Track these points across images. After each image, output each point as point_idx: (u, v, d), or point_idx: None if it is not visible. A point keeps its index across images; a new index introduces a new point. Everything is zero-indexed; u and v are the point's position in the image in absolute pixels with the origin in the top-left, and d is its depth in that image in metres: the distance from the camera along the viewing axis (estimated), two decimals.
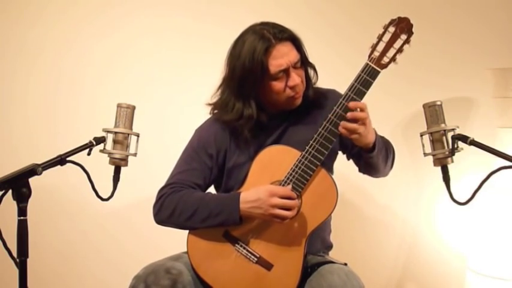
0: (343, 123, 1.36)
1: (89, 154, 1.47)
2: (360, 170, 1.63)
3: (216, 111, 1.58)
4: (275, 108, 1.53)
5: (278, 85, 1.45)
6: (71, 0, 2.19)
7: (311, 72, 1.54)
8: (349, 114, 1.35)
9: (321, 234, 1.56)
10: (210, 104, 1.57)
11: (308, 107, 1.55)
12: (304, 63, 1.50)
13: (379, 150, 1.46)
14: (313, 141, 1.40)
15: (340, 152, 1.63)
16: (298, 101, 1.51)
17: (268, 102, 1.51)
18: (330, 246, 1.62)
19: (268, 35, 1.42)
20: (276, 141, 1.52)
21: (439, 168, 1.44)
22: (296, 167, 1.40)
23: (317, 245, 1.55)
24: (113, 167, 1.54)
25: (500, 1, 2.03)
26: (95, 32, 2.19)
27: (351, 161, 1.63)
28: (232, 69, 1.48)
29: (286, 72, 1.44)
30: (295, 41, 1.46)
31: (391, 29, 1.38)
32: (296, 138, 1.49)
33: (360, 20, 2.10)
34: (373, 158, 1.45)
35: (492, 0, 2.03)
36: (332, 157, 1.60)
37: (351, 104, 1.35)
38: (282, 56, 1.42)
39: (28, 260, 1.23)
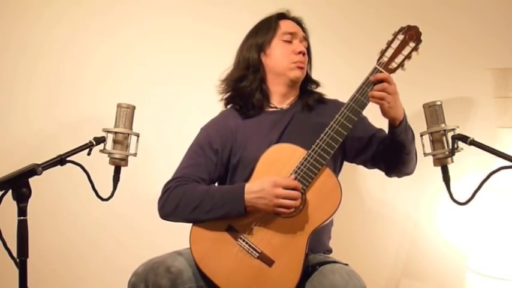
0: (371, 92, 1.39)
1: (89, 154, 1.47)
2: (387, 170, 1.59)
3: (227, 106, 1.68)
4: (279, 80, 1.60)
5: (285, 47, 1.59)
6: (72, 1, 2.19)
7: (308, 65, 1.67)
8: (377, 86, 1.39)
9: (321, 238, 1.57)
10: (221, 81, 1.67)
11: (312, 107, 1.61)
12: (307, 52, 1.65)
13: (408, 127, 1.48)
14: (320, 141, 1.42)
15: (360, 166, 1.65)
16: (300, 73, 1.60)
17: (272, 69, 1.60)
18: (329, 251, 1.63)
19: (281, 12, 1.65)
20: (279, 139, 1.54)
21: (439, 168, 1.44)
22: (302, 165, 1.41)
23: (317, 248, 1.55)
24: (113, 167, 1.54)
25: (500, 2, 2.03)
26: (96, 32, 2.19)
27: (349, 166, 1.64)
28: (244, 42, 1.65)
29: (293, 37, 1.60)
30: (304, 30, 1.67)
31: (400, 36, 1.42)
32: (299, 136, 1.50)
33: (361, 24, 2.11)
34: (402, 133, 1.45)
35: (492, 1, 2.03)
36: (336, 166, 1.61)
37: (375, 77, 1.40)
38: (293, 26, 1.63)
39: (28, 260, 1.23)
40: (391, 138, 1.48)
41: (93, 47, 2.19)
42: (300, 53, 1.58)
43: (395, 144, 1.48)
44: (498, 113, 1.92)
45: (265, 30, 1.62)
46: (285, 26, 1.62)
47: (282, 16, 1.64)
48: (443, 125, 1.44)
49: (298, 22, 1.66)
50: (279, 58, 1.59)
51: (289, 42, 1.60)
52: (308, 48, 1.66)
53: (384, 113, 1.42)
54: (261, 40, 1.61)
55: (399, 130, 1.44)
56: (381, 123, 1.55)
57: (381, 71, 1.41)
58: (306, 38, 1.65)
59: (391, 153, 1.52)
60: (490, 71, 1.92)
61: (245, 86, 1.60)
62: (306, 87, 1.67)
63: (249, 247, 1.43)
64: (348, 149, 1.60)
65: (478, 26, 2.04)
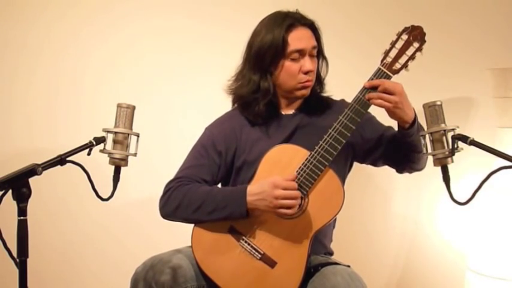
0: (368, 94, 1.39)
1: (89, 154, 1.46)
2: (398, 168, 1.58)
3: (236, 104, 1.63)
4: (286, 95, 1.57)
5: (292, 66, 1.51)
6: (71, 1, 2.19)
7: (323, 66, 1.61)
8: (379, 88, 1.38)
9: (322, 240, 1.57)
10: (228, 89, 1.61)
11: (318, 112, 1.59)
12: (319, 55, 1.58)
13: (419, 128, 1.46)
14: (323, 142, 1.41)
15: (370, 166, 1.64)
16: (307, 91, 1.56)
17: (279, 86, 1.55)
18: (330, 253, 1.62)
19: (292, 16, 1.52)
20: (285, 142, 1.53)
21: (439, 168, 1.44)
22: (304, 166, 1.41)
23: (318, 250, 1.55)
24: (113, 167, 1.54)
25: (500, 2, 2.03)
26: (96, 32, 2.19)
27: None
28: (253, 44, 1.55)
29: (301, 54, 1.50)
30: (315, 31, 1.55)
31: (404, 37, 1.42)
32: (305, 141, 1.49)
33: (362, 25, 2.11)
34: (414, 135, 1.43)
35: (492, 1, 2.03)
36: (344, 168, 1.60)
37: (370, 83, 1.39)
38: (302, 38, 1.51)
39: (28, 260, 1.23)
40: (401, 139, 1.46)
41: (93, 47, 2.19)
42: (307, 72, 1.52)
43: (406, 145, 1.46)
44: (498, 113, 1.92)
45: (273, 49, 1.49)
46: (294, 41, 1.49)
47: (290, 26, 1.50)
48: (443, 125, 1.43)
49: (309, 26, 1.54)
50: (285, 78, 1.53)
51: (297, 59, 1.51)
52: (320, 50, 1.58)
53: (390, 114, 1.40)
54: (267, 62, 1.52)
55: (410, 132, 1.42)
56: (390, 121, 1.54)
57: (384, 72, 1.40)
58: (315, 46, 1.54)
59: (401, 153, 1.50)
60: (490, 71, 1.92)
61: (253, 106, 1.56)
62: (313, 87, 1.61)
63: (251, 248, 1.43)
64: (357, 150, 1.59)
65: (478, 26, 2.04)
